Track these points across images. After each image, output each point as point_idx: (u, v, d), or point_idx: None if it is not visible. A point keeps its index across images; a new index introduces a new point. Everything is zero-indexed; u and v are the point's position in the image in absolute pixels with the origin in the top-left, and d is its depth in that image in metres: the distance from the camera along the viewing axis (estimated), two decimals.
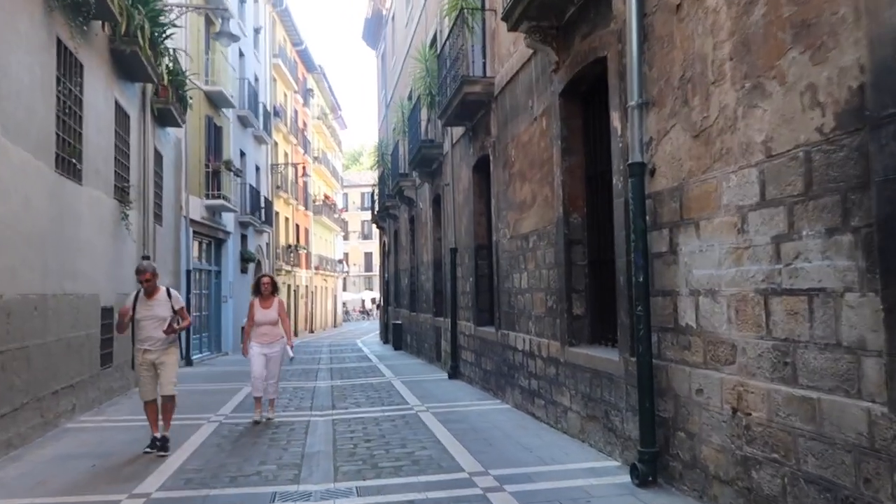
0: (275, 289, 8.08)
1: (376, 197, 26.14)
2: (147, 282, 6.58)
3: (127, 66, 10.88)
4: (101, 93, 9.76)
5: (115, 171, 10.68)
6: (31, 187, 7.16)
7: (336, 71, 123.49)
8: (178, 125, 14.81)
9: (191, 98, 17.18)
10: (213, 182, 18.52)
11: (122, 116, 11.12)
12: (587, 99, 6.85)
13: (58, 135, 7.94)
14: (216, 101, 19.20)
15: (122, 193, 10.86)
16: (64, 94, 8.23)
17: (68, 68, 8.48)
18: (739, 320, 4.02)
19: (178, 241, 15.99)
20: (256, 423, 7.99)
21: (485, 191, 10.79)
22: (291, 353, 8.65)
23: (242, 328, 8.89)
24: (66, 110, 8.36)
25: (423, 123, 14.49)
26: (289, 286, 32.64)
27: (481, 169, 10.75)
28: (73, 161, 8.50)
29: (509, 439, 6.84)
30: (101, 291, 9.74)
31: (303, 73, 37.46)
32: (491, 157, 9.77)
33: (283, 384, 11.83)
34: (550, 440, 6.74)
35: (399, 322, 20.94)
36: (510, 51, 8.73)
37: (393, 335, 21.31)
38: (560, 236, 6.99)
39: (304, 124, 37.58)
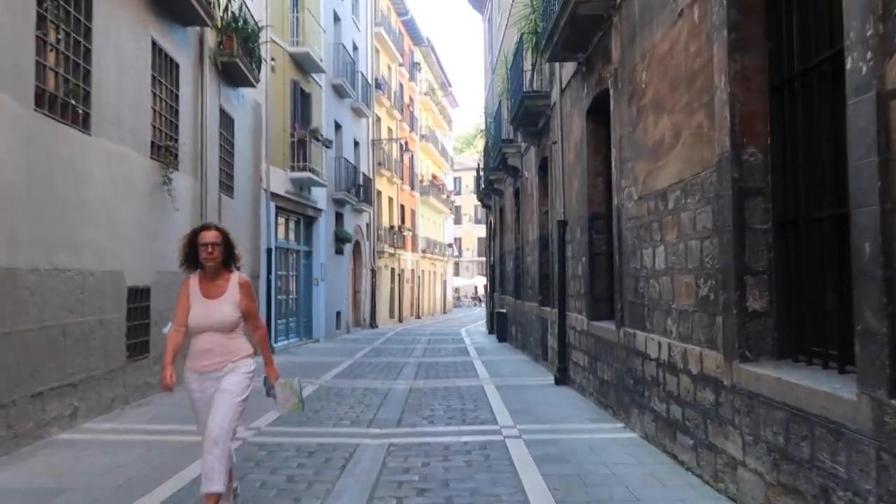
0: (229, 257, 4.19)
1: (481, 172, 23.82)
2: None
3: (170, 3, 9.17)
4: (125, 26, 8.04)
5: (155, 126, 9.02)
6: None
7: (446, 46, 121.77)
8: (251, 84, 13.17)
9: (273, 60, 15.65)
10: (298, 153, 16.92)
11: (165, 63, 9.45)
12: None
13: (39, 63, 6.19)
14: (303, 64, 17.55)
15: (165, 153, 9.20)
16: (53, 13, 6.48)
17: None
18: None
19: (256, 217, 14.45)
20: None
21: (602, 142, 8.18)
22: (277, 395, 4.35)
23: (169, 333, 4.20)
24: (60, 34, 6.62)
25: (528, 74, 11.95)
26: (392, 269, 31.15)
27: (597, 113, 8.15)
28: (73, 103, 6.77)
29: None
30: (128, 269, 8.07)
31: (409, 45, 35.70)
32: (611, 92, 7.15)
33: (354, 384, 9.83)
34: None
35: (504, 311, 18.58)
36: None
37: (497, 325, 18.99)
38: (725, 185, 4.35)
39: (411, 100, 35.86)
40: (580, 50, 8.27)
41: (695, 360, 4.89)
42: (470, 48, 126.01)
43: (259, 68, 13.43)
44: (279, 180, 15.85)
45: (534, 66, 11.79)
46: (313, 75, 18.62)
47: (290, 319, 17.47)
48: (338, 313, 21.42)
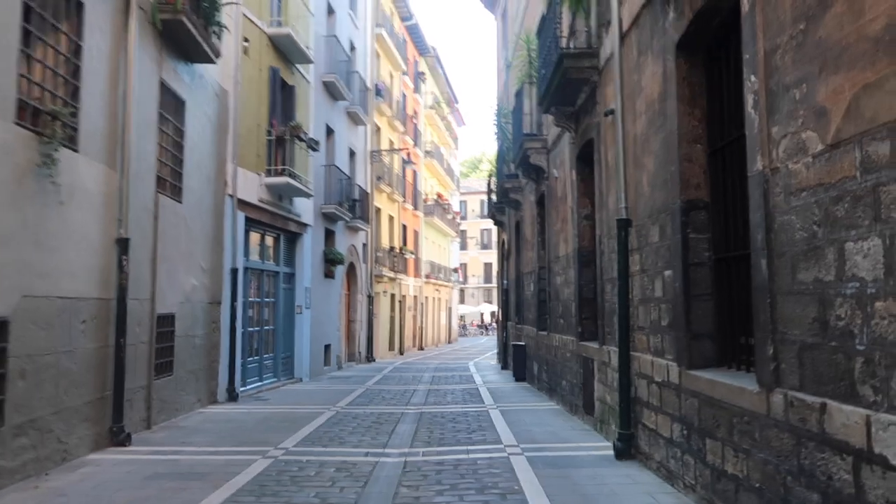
0: None
1: (492, 186, 20.95)
2: None
3: None
4: None
5: (26, 78, 6.15)
6: None
7: (451, 62, 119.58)
8: (208, 60, 10.36)
9: (246, 41, 12.90)
10: (276, 155, 14.05)
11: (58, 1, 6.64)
12: None
13: None
14: (285, 50, 14.79)
15: (48, 122, 6.32)
16: None
17: None
18: None
19: (218, 229, 11.55)
20: None
21: (701, 89, 5.29)
22: None
23: None
24: None
25: (565, 28, 9.07)
26: (392, 296, 28.14)
27: (694, 48, 5.27)
28: None
29: None
30: None
31: (413, 54, 33.14)
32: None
33: (323, 458, 6.77)
34: None
35: (521, 343, 15.52)
36: None
37: (514, 361, 15.90)
38: None
39: (415, 112, 33.18)
40: None
41: None
42: (476, 67, 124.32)
43: (220, 38, 10.64)
44: (251, 186, 12.97)
45: (573, 24, 8.92)
46: (298, 66, 15.85)
47: (265, 356, 14.44)
48: (327, 347, 18.38)
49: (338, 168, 19.19)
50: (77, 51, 7.02)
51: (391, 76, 28.38)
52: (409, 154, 29.31)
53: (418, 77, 33.91)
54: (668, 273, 5.71)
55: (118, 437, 7.56)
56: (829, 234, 3.30)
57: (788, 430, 3.65)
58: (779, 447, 3.75)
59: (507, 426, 8.87)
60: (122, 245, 7.72)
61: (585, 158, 9.21)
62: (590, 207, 9.30)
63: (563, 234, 10.58)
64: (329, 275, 18.62)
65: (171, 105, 9.72)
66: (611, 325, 7.59)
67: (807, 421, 3.46)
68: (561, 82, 8.72)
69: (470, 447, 7.50)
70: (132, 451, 7.35)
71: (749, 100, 4.11)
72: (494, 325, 56.25)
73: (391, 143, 27.62)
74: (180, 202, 9.95)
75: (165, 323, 9.39)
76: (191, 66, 10.28)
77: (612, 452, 6.77)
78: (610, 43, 7.30)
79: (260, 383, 13.82)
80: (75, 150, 6.86)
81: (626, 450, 6.58)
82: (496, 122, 17.46)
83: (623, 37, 6.87)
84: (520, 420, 9.39)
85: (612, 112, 7.37)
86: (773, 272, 3.82)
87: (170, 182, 9.65)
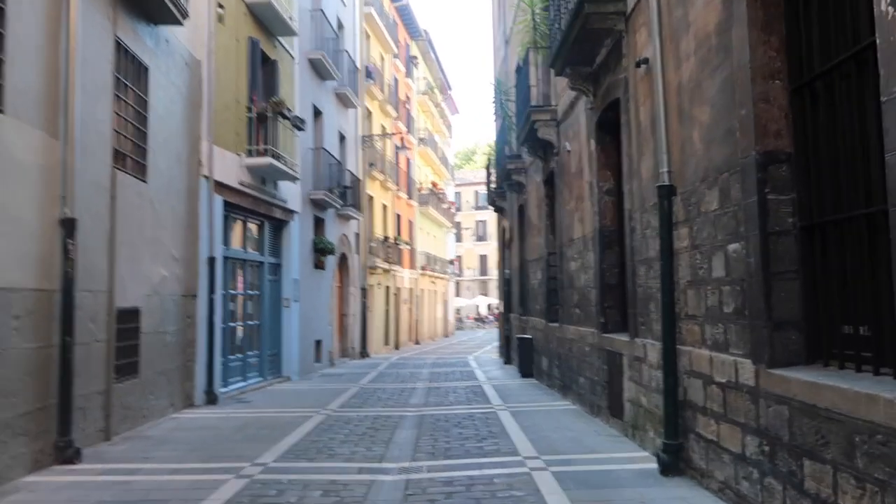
0: None
1: (491, 169, 19.78)
2: None
3: None
4: None
5: None
6: None
7: (444, 50, 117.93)
8: (175, 21, 9.15)
9: (220, 7, 11.66)
10: (258, 133, 12.83)
11: None
12: None
13: None
14: (265, 20, 13.55)
15: None
16: None
17: None
18: None
19: (192, 214, 10.35)
20: None
21: (787, 9, 4.14)
22: None
23: None
24: None
25: None
26: (387, 288, 26.98)
27: None
28: None
29: None
30: None
31: (405, 37, 31.87)
32: None
33: (307, 476, 5.58)
34: None
35: (527, 336, 14.37)
36: None
37: (519, 355, 14.76)
38: None
39: (407, 97, 31.93)
40: None
41: None
42: (470, 54, 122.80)
43: None
44: (230, 167, 11.76)
45: None
46: (281, 39, 14.60)
47: (249, 354, 13.24)
48: (317, 342, 17.19)
49: (327, 152, 17.98)
50: None
51: (382, 58, 27.13)
52: (402, 139, 28.09)
53: (410, 61, 32.66)
54: (733, 247, 4.56)
55: (65, 454, 6.38)
56: None
57: None
58: None
59: (522, 431, 7.73)
60: (67, 227, 6.52)
61: (607, 124, 8.05)
62: (612, 181, 8.15)
63: (579, 213, 9.43)
64: (319, 266, 17.42)
65: (131, 70, 8.50)
66: (645, 313, 6.45)
67: None
68: (579, 35, 7.54)
69: (482, 459, 6.35)
70: (80, 471, 6.17)
71: None
72: (491, 317, 55.21)
73: (383, 128, 26.39)
74: (145, 181, 8.74)
75: (128, 318, 8.20)
76: (154, 27, 9.06)
77: (655, 466, 5.63)
78: None
79: (244, 383, 12.63)
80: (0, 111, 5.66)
81: (673, 463, 5.44)
82: (495, 99, 16.28)
83: None
84: (535, 424, 8.26)
85: (645, 61, 6.21)
86: None
87: (131, 158, 8.44)
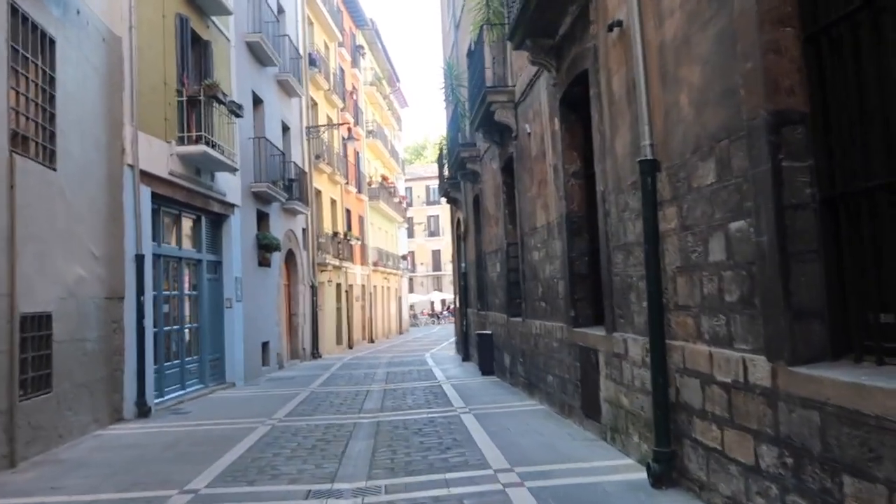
0: None
1: (444, 157, 19.04)
2: None
3: None
4: None
5: None
6: None
7: (392, 42, 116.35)
8: None
9: None
10: (189, 119, 11.75)
11: None
12: None
13: None
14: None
15: None
16: None
17: None
18: None
19: (115, 207, 9.31)
20: None
21: None
22: None
23: None
24: None
25: None
26: (338, 285, 26.00)
27: None
28: None
29: None
30: None
31: (350, 26, 30.82)
32: None
33: (250, 493, 4.74)
34: None
35: (488, 332, 13.70)
36: None
37: (479, 352, 14.09)
38: None
39: (354, 88, 30.91)
40: None
41: None
42: (418, 46, 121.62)
43: None
44: (159, 155, 10.69)
45: None
46: (215, 18, 13.53)
47: (188, 360, 12.19)
48: (264, 344, 16.17)
49: (269, 142, 16.93)
50: None
51: (326, 46, 26.07)
52: (350, 130, 27.10)
53: (356, 51, 31.63)
54: (736, 226, 3.92)
55: None
56: None
57: None
58: None
59: (489, 438, 7.02)
60: None
61: (573, 101, 7.38)
62: (580, 162, 7.50)
63: (542, 199, 8.77)
64: (264, 263, 16.39)
65: (33, 41, 7.43)
66: (625, 305, 5.81)
67: None
68: (541, 2, 6.85)
69: (449, 475, 5.61)
70: None
71: None
72: (447, 313, 54.59)
73: (329, 119, 25.35)
74: (54, 168, 7.70)
75: (37, 325, 7.17)
76: None
77: (644, 476, 4.98)
78: None
79: (182, 392, 11.60)
80: None
81: (665, 473, 4.80)
82: (446, 84, 15.50)
83: None
84: (502, 428, 7.55)
85: (619, 24, 5.56)
86: None
87: (35, 141, 7.39)
